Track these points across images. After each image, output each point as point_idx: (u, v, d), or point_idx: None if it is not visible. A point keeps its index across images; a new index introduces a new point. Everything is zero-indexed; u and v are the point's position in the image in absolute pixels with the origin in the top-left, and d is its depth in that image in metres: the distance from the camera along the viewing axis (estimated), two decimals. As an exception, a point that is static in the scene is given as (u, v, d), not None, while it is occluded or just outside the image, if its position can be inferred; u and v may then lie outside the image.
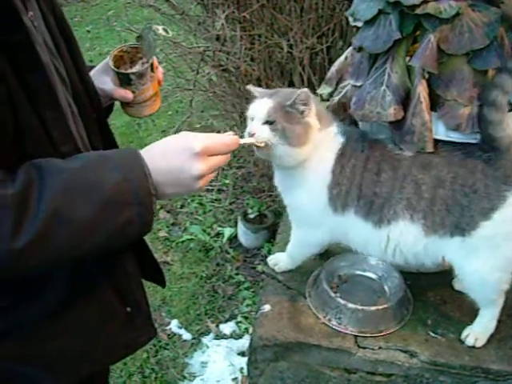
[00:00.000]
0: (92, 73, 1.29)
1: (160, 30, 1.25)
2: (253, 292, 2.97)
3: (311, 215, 1.30)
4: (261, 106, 1.24)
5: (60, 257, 0.97)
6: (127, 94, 1.26)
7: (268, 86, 2.92)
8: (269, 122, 1.21)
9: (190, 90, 3.13)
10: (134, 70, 1.26)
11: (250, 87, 1.34)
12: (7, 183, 0.91)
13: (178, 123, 3.73)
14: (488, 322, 1.27)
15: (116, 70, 1.25)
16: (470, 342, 1.27)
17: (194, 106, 3.32)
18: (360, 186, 1.22)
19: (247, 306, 2.90)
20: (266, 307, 1.33)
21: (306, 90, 1.20)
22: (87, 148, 1.14)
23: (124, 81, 1.25)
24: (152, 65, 1.26)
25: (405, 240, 1.22)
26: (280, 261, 1.43)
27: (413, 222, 1.19)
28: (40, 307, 1.12)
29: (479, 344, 1.26)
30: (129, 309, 1.28)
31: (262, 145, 1.20)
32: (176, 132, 4.17)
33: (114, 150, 1.05)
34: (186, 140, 1.03)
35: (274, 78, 2.96)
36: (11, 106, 0.95)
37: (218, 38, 2.95)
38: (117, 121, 3.99)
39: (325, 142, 1.25)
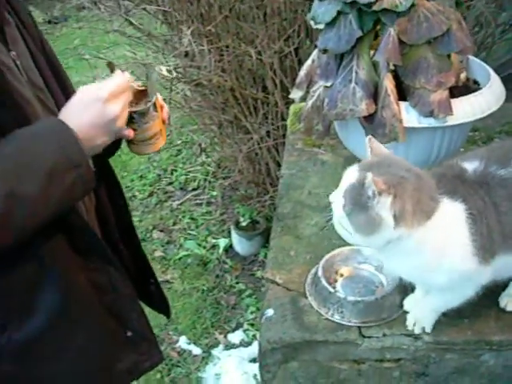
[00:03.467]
0: None
1: (163, 70, 1.28)
2: (255, 298, 3.00)
3: (461, 283, 1.20)
4: (347, 176, 1.13)
5: (21, 231, 1.07)
6: (129, 133, 1.27)
7: (242, 95, 2.96)
8: (344, 198, 1.11)
9: (167, 108, 3.16)
10: (135, 108, 1.27)
11: (370, 139, 1.13)
12: None
13: (158, 142, 3.76)
14: None
15: None
16: (510, 307, 1.31)
17: (173, 123, 3.35)
18: (502, 230, 1.15)
19: (252, 312, 2.93)
20: (270, 311, 1.36)
21: (370, 175, 1.03)
22: None
23: (127, 119, 1.26)
24: (155, 104, 1.28)
25: None
26: (424, 318, 1.30)
27: None
28: (29, 330, 1.17)
29: None
30: (129, 333, 1.32)
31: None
32: (159, 152, 4.22)
33: (40, 125, 1.12)
34: (91, 92, 1.12)
35: (246, 85, 3.00)
36: None
37: (186, 54, 2.98)
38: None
39: (441, 227, 1.11)
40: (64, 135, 1.07)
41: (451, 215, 1.12)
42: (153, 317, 1.70)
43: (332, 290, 1.33)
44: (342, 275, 1.41)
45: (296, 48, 2.87)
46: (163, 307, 1.61)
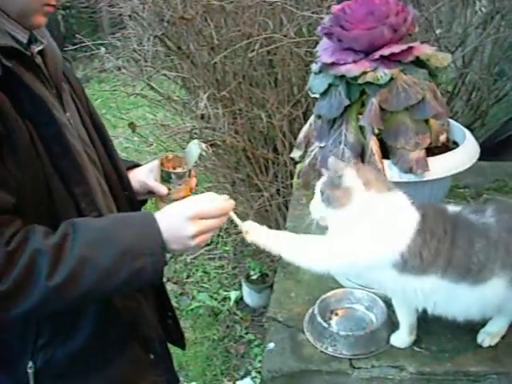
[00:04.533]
0: (140, 168, 1.60)
1: (203, 146, 1.53)
2: (264, 348, 3.12)
3: (369, 271, 1.37)
4: (317, 186, 1.36)
5: (85, 294, 1.21)
6: (163, 190, 1.51)
7: (254, 155, 3.16)
8: (321, 193, 1.33)
9: (182, 166, 3.35)
10: (175, 170, 1.53)
11: (332, 160, 1.35)
12: (50, 236, 1.18)
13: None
14: (503, 323, 1.46)
15: (162, 167, 1.52)
16: (486, 343, 1.46)
17: (188, 181, 3.54)
18: (449, 260, 1.30)
19: (260, 361, 3.05)
20: (271, 345, 1.53)
21: (332, 158, 1.31)
22: None
23: (165, 178, 1.52)
24: (190, 172, 1.53)
25: (495, 295, 1.34)
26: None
27: (502, 277, 1.32)
28: (70, 348, 1.33)
29: (494, 343, 1.46)
30: (152, 356, 1.49)
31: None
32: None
33: (137, 213, 1.37)
34: (184, 205, 1.29)
35: (258, 146, 3.20)
36: (46, 183, 1.23)
37: (202, 117, 3.19)
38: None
39: (391, 206, 1.30)
40: (149, 225, 1.24)
41: (405, 209, 1.31)
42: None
43: (326, 325, 1.49)
44: (336, 314, 1.57)
45: (304, 111, 3.07)
46: (179, 339, 1.76)
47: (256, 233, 1.40)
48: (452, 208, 1.37)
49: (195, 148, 1.52)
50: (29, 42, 1.27)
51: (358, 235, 1.31)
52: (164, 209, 1.31)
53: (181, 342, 1.77)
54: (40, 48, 1.31)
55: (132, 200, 1.54)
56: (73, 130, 1.33)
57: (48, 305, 1.18)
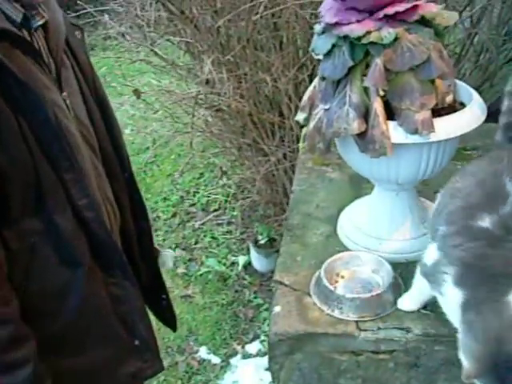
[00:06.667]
0: None
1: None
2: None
3: None
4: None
5: None
6: None
7: (259, 120, 3.15)
8: None
9: (189, 132, 3.36)
10: None
11: None
12: None
13: (181, 166, 3.97)
14: None
15: None
16: None
17: (195, 147, 3.54)
18: None
19: (268, 325, 3.07)
20: (277, 308, 1.53)
21: None
22: (110, 201, 1.41)
23: None
24: None
25: None
26: None
27: None
28: (59, 324, 1.35)
29: None
30: (137, 342, 1.50)
31: None
32: (181, 175, 4.44)
33: None
34: None
35: (264, 111, 3.18)
36: (35, 169, 1.21)
37: (207, 82, 3.17)
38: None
39: None
40: None
41: None
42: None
43: (332, 288, 1.49)
44: (342, 277, 1.57)
45: (310, 74, 3.04)
46: (171, 321, 1.81)
47: None
48: None
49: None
50: (26, 18, 1.22)
51: None
52: None
53: (173, 324, 1.81)
54: (40, 23, 1.26)
55: (132, 182, 1.53)
56: (68, 110, 1.30)
57: None
